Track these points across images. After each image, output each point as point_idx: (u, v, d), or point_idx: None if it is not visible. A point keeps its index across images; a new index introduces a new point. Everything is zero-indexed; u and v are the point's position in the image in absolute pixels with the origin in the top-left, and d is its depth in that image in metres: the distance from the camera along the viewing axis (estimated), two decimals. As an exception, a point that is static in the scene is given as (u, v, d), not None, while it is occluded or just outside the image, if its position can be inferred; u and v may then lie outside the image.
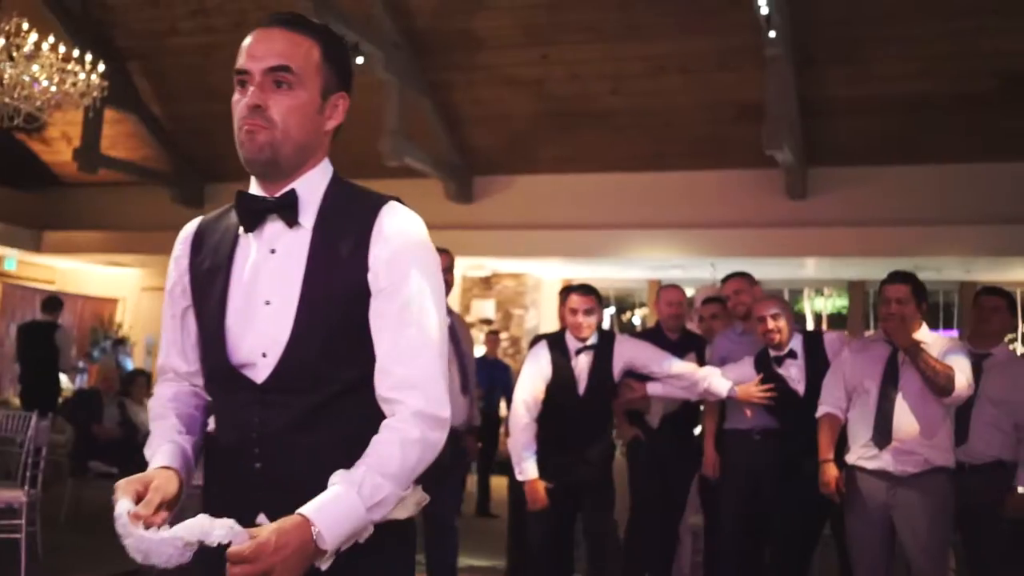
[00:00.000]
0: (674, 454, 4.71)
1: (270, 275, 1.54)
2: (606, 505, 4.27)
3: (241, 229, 1.59)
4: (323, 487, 1.40)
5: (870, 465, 3.71)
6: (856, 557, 3.79)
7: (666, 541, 4.77)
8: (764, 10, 6.46)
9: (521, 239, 9.29)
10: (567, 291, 5.40)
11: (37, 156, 10.93)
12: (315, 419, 1.50)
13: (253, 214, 1.57)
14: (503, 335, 10.14)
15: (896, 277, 3.82)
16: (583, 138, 8.73)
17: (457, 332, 4.40)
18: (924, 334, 3.76)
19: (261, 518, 1.46)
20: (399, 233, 1.54)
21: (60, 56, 6.43)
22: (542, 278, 11.06)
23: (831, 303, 11.30)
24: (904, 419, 3.66)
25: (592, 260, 9.61)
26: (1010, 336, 10.20)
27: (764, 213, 8.59)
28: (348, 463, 1.42)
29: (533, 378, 4.21)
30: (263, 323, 1.52)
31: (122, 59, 9.26)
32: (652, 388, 4.32)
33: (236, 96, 1.63)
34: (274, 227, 1.57)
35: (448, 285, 4.30)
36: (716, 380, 4.23)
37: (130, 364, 10.10)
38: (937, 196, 8.16)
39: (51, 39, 6.45)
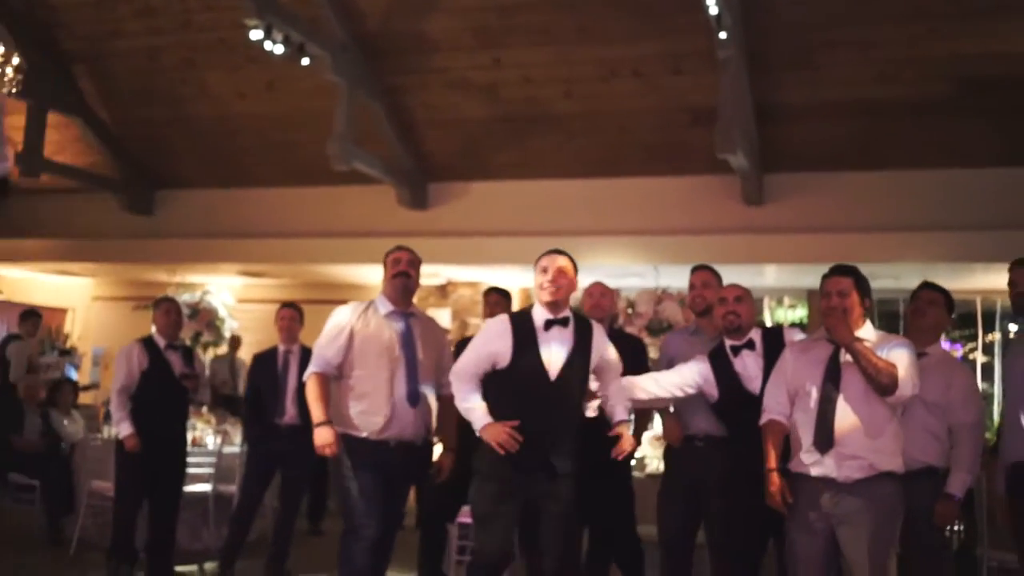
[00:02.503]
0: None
1: None
2: (566, 529, 3.72)
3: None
4: None
5: (813, 471, 3.52)
6: (795, 570, 3.58)
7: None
8: (713, 10, 6.34)
9: (477, 247, 9.12)
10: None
11: (-19, 162, 10.63)
12: None
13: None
14: (460, 345, 9.94)
15: (837, 270, 3.66)
16: (538, 143, 8.59)
17: (413, 335, 4.04)
18: (867, 332, 3.61)
19: None
20: None
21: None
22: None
23: (793, 314, 11.21)
24: (847, 421, 3.48)
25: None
26: (971, 345, 10.17)
27: (721, 220, 8.48)
28: None
29: (477, 351, 3.68)
30: None
31: (67, 61, 9.05)
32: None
33: None
34: None
35: (414, 283, 4.13)
36: (619, 406, 3.86)
37: (75, 375, 9.81)
38: (895, 202, 8.08)
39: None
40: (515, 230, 8.90)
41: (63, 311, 11.71)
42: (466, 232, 9.10)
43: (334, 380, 4.02)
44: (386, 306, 4.08)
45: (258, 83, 8.66)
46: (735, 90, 7.18)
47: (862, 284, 3.64)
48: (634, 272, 9.29)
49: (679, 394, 4.09)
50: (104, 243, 10.13)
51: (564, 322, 3.67)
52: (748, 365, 4.01)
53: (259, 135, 9.17)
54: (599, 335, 3.82)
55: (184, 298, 7.04)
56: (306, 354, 5.62)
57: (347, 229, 9.33)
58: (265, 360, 5.72)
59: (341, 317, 4.04)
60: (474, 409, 3.64)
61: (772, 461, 3.62)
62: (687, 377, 4.08)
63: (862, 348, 3.45)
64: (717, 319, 4.12)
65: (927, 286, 4.18)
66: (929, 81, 7.30)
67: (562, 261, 3.69)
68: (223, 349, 9.18)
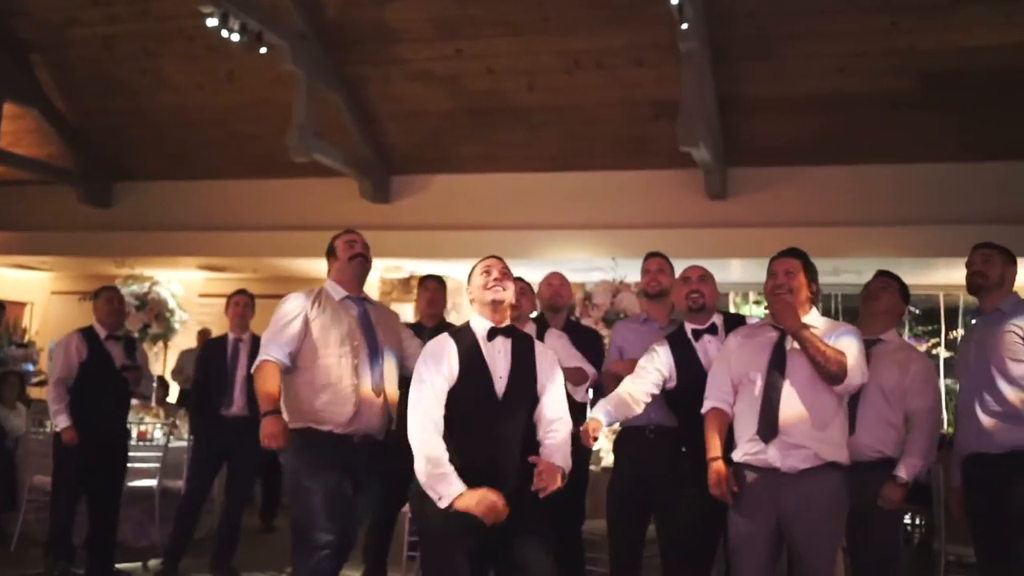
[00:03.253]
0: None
1: None
2: (538, 538, 3.22)
3: None
4: None
5: (756, 461, 3.39)
6: (737, 562, 3.46)
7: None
8: (675, 0, 6.29)
9: (440, 240, 9.03)
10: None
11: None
12: None
13: None
14: (423, 340, 9.83)
15: (786, 252, 3.55)
16: (501, 136, 8.51)
17: (371, 320, 3.83)
18: (814, 318, 3.50)
19: None
20: None
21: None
22: (463, 281, 10.78)
23: (758, 309, 11.19)
24: (792, 410, 3.36)
25: (512, 262, 9.33)
26: (934, 341, 10.19)
27: (684, 214, 8.44)
28: None
29: (434, 386, 3.14)
30: None
31: (24, 51, 8.86)
32: None
33: None
34: None
35: (369, 267, 3.97)
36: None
37: (32, 369, 9.63)
38: (858, 197, 8.08)
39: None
40: (479, 223, 8.82)
41: (22, 305, 11.50)
42: (429, 225, 9.01)
43: (288, 373, 3.73)
44: (338, 291, 3.87)
45: (217, 73, 8.52)
46: (697, 82, 7.13)
47: (810, 268, 3.53)
48: (597, 266, 9.22)
49: (654, 394, 3.89)
50: (61, 236, 9.95)
51: (508, 333, 3.29)
52: (710, 351, 3.84)
53: (219, 126, 9.02)
54: (550, 339, 3.78)
55: (132, 289, 6.88)
56: (257, 343, 5.49)
57: (309, 222, 9.19)
58: (214, 348, 5.57)
59: (293, 304, 3.78)
60: (449, 478, 3.05)
61: (715, 450, 3.50)
62: (654, 377, 3.86)
63: (810, 335, 3.35)
64: (680, 300, 3.96)
65: (880, 274, 4.13)
66: (890, 75, 7.28)
67: (505, 270, 3.39)
68: (192, 343, 9.03)
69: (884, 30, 7.00)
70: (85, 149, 9.73)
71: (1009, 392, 3.73)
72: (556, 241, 8.71)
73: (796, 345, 3.41)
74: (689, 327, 3.95)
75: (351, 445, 3.63)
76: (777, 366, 3.43)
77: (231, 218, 9.50)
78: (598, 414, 3.69)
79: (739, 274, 9.85)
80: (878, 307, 3.96)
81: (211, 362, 5.51)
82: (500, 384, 3.17)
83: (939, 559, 4.79)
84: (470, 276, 3.39)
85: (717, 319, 3.96)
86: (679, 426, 3.90)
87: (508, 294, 3.28)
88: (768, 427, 3.39)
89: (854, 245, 8.13)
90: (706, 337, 3.91)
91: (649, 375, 3.84)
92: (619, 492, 4.07)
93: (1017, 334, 3.75)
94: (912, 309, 10.53)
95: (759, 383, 3.43)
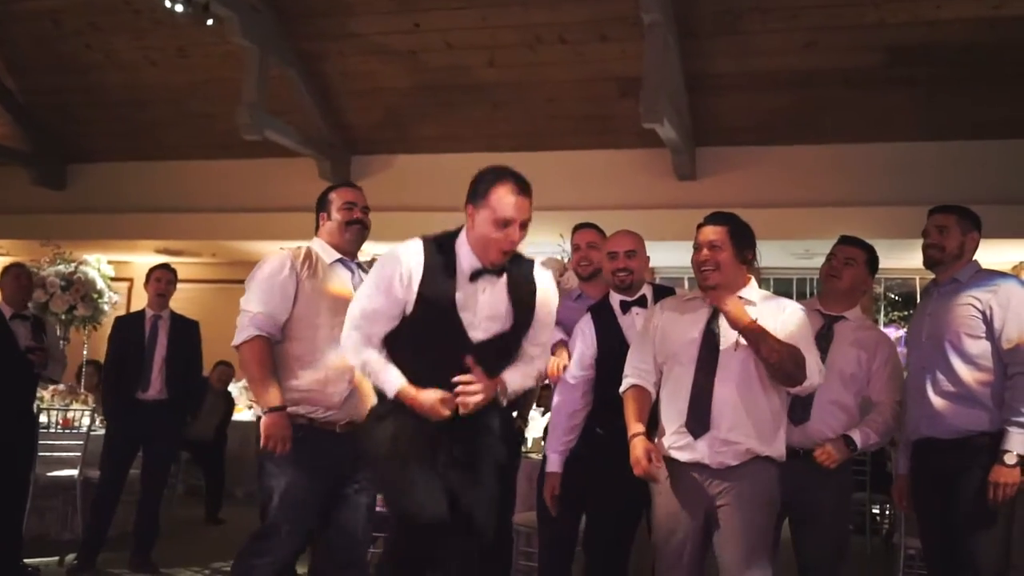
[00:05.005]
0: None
1: None
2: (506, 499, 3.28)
3: None
4: None
5: (683, 456, 3.08)
6: (661, 557, 3.15)
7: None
8: (633, -31, 6.00)
9: (403, 222, 8.58)
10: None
11: None
12: None
13: None
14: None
15: (711, 219, 3.17)
16: (462, 115, 8.23)
17: None
18: (751, 291, 3.14)
19: None
20: None
21: None
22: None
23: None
24: (725, 401, 3.02)
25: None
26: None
27: (653, 195, 8.18)
28: None
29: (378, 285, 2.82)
30: None
31: (-33, 27, 8.54)
32: None
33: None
34: None
35: (366, 230, 3.46)
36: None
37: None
38: (830, 176, 7.83)
39: None
40: (442, 205, 8.46)
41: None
42: (391, 207, 8.65)
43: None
44: (330, 253, 3.37)
45: (168, 49, 8.22)
46: (661, 57, 6.85)
47: (740, 234, 3.13)
48: (566, 249, 8.96)
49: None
50: (13, 219, 9.62)
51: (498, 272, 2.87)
52: (637, 324, 3.53)
53: (173, 105, 8.72)
54: (541, 277, 3.01)
55: (57, 268, 6.58)
56: (177, 322, 5.22)
57: (268, 204, 8.92)
58: (129, 325, 5.22)
59: (279, 263, 3.25)
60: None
61: (636, 427, 3.13)
62: (588, 357, 3.62)
63: (760, 331, 2.98)
64: (606, 275, 3.69)
65: (844, 241, 3.75)
66: (858, 50, 7.02)
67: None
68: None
69: (853, 3, 6.73)
70: (37, 129, 9.41)
71: (964, 371, 3.37)
72: (519, 223, 8.44)
73: (729, 323, 3.11)
74: (617, 298, 3.67)
75: (332, 435, 3.18)
76: (709, 350, 3.07)
77: (188, 200, 9.20)
78: None
79: (711, 258, 9.59)
80: (841, 286, 3.57)
81: (126, 341, 5.16)
82: (480, 327, 2.82)
83: (899, 552, 4.54)
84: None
85: (647, 290, 3.68)
86: (593, 405, 3.61)
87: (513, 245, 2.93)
88: (699, 422, 3.06)
89: (826, 226, 7.82)
90: (634, 310, 3.63)
91: (583, 357, 3.60)
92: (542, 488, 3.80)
93: (975, 307, 3.39)
94: (890, 295, 10.30)
95: (690, 370, 3.09)
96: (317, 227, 3.46)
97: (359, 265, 3.46)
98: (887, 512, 7.01)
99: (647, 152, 8.02)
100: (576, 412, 3.65)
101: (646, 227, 7.91)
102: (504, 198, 2.76)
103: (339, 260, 3.39)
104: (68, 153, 9.63)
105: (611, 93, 7.72)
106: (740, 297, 3.10)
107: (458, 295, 2.78)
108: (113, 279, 6.95)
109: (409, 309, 2.78)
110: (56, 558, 5.13)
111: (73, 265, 6.58)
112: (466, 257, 2.80)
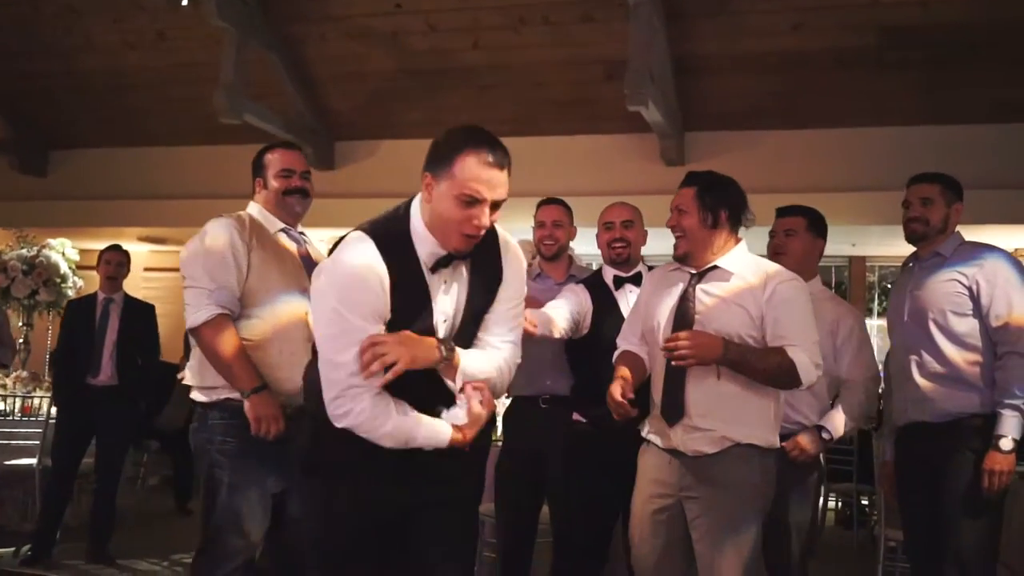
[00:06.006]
0: None
1: None
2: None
3: None
4: None
5: (660, 442, 2.93)
6: (635, 550, 3.00)
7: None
8: (614, -54, 5.83)
9: (388, 208, 8.59)
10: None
11: None
12: None
13: None
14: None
15: (684, 180, 2.98)
16: (446, 99, 8.05)
17: (312, 260, 3.15)
18: (734, 259, 2.87)
19: None
20: None
21: None
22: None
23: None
24: (699, 386, 2.83)
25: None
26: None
27: (639, 181, 7.97)
28: None
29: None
30: None
31: (-55, 10, 8.40)
32: None
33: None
34: None
35: (307, 200, 3.22)
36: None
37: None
38: (823, 162, 7.65)
39: None
40: (427, 192, 8.38)
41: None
42: (376, 193, 8.52)
43: None
44: (273, 222, 3.13)
45: (148, 33, 8.05)
46: (646, 37, 6.67)
47: (710, 195, 2.87)
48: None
49: (565, 331, 3.33)
50: (-4, 206, 9.51)
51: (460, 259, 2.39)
52: (631, 302, 3.32)
53: (154, 90, 8.56)
54: (508, 256, 2.49)
55: (20, 252, 6.45)
56: (131, 305, 5.07)
57: (251, 191, 8.76)
58: (80, 309, 5.09)
59: (226, 233, 2.96)
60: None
61: (620, 371, 2.88)
62: (573, 307, 3.33)
63: (739, 357, 2.72)
64: (601, 247, 3.50)
65: (779, 213, 3.56)
66: (851, 31, 6.82)
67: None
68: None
69: (843, -19, 6.55)
70: (17, 115, 9.27)
71: (951, 351, 3.23)
72: (506, 210, 8.26)
73: (706, 293, 2.87)
74: (611, 273, 3.47)
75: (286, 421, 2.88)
76: (682, 326, 2.85)
77: (172, 187, 9.06)
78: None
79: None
80: (790, 261, 3.34)
81: (76, 325, 5.01)
82: (444, 320, 2.35)
83: (879, 544, 4.37)
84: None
85: (643, 269, 3.48)
86: (574, 392, 3.44)
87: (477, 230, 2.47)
88: (673, 407, 2.88)
89: (821, 212, 7.70)
90: (628, 287, 3.43)
91: (568, 305, 3.33)
92: (509, 469, 3.65)
93: (960, 283, 3.24)
94: (884, 283, 10.10)
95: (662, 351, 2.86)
96: (254, 190, 3.22)
97: (302, 234, 3.25)
98: (867, 502, 6.84)
99: (634, 137, 7.85)
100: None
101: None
102: (472, 169, 2.19)
103: (283, 230, 3.18)
104: (50, 140, 9.49)
105: (596, 76, 7.54)
106: (716, 267, 2.89)
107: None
108: (81, 266, 6.81)
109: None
110: (11, 549, 5.00)
111: (35, 249, 6.45)
112: (423, 243, 2.25)
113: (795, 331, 2.79)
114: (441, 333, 2.27)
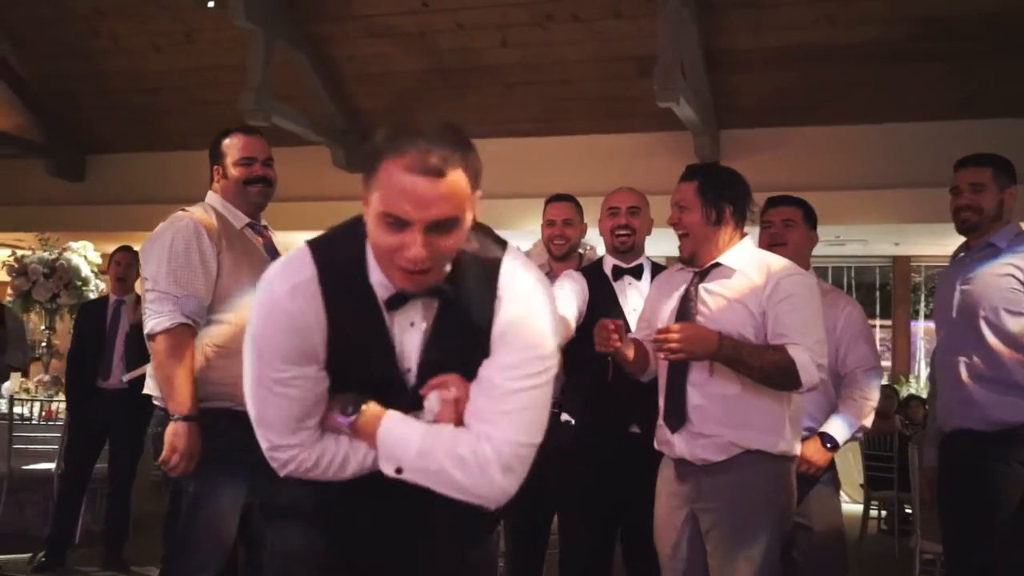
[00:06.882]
0: None
1: None
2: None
3: None
4: None
5: (668, 452, 2.79)
6: (660, 561, 2.85)
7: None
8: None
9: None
10: None
11: None
12: None
13: None
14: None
15: (683, 175, 2.82)
16: (474, 99, 7.94)
17: (279, 254, 2.91)
18: (735, 256, 2.69)
19: None
20: None
21: None
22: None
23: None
24: (700, 390, 2.67)
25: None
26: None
27: (673, 180, 7.52)
28: None
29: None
30: None
31: (-23, 16, 8.47)
32: None
33: None
34: None
35: (270, 189, 3.05)
36: None
37: None
38: (862, 158, 7.42)
39: None
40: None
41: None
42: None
43: None
44: (237, 216, 2.92)
45: (175, 35, 8.05)
46: (676, 31, 6.50)
47: (712, 189, 2.72)
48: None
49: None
50: (32, 211, 9.57)
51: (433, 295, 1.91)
52: (629, 295, 3.19)
53: (180, 93, 8.56)
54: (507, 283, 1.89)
55: (41, 255, 6.45)
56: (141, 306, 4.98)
57: (282, 193, 8.51)
58: (92, 311, 5.03)
59: (192, 232, 2.74)
60: None
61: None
62: (576, 299, 3.16)
63: (734, 350, 2.56)
64: (603, 234, 3.33)
65: (775, 203, 3.31)
66: (890, 23, 6.58)
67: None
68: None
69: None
70: (52, 120, 9.33)
71: (1004, 353, 2.95)
72: (533, 210, 8.10)
73: (707, 294, 2.71)
74: (611, 262, 3.28)
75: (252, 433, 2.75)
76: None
77: (200, 191, 9.04)
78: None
79: (740, 246, 9.22)
80: (788, 252, 3.09)
81: (87, 327, 4.96)
82: (412, 366, 1.77)
83: (914, 558, 4.15)
84: None
85: (646, 261, 3.29)
86: (563, 392, 3.23)
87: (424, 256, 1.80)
88: (675, 414, 2.72)
89: (857, 210, 7.48)
90: (627, 278, 3.24)
91: (575, 298, 3.14)
92: None
93: (1017, 278, 2.96)
94: (930, 284, 9.80)
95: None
96: (213, 180, 3.02)
97: (266, 227, 3.05)
98: (881, 514, 6.58)
99: (667, 135, 7.66)
100: None
101: (667, 212, 7.66)
102: (392, 179, 1.57)
103: (249, 224, 2.96)
104: (85, 144, 9.54)
105: (627, 73, 7.38)
106: (719, 264, 2.74)
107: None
108: (104, 270, 6.80)
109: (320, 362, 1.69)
110: (28, 554, 4.97)
111: (56, 252, 6.44)
112: (376, 273, 1.68)
113: (797, 328, 2.59)
114: (412, 385, 1.71)
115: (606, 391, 3.07)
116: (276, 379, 1.65)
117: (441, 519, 1.70)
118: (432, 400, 1.67)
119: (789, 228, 3.22)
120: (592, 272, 3.30)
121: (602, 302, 3.15)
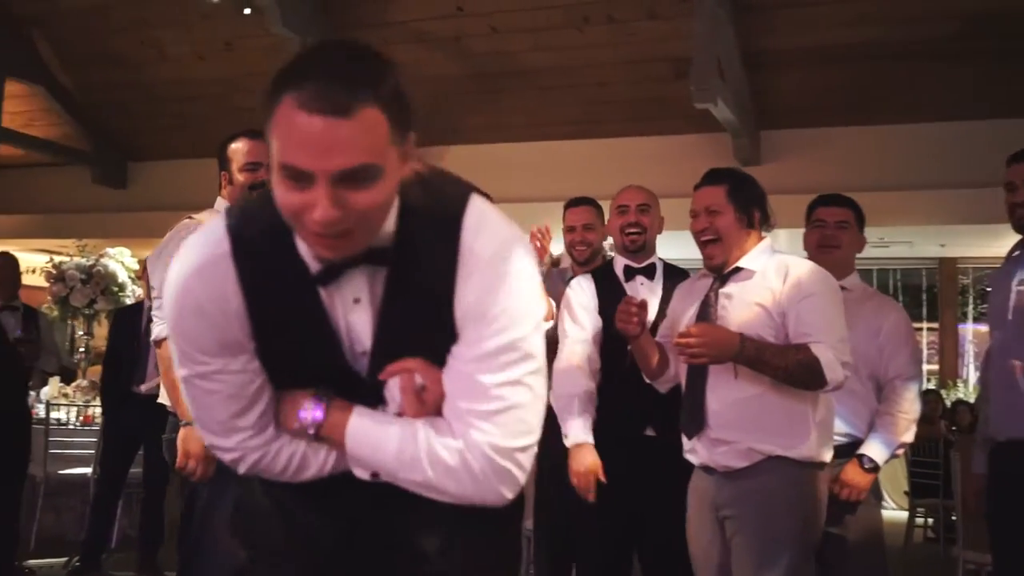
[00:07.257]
0: None
1: None
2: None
3: None
4: None
5: (693, 459, 2.74)
6: (693, 561, 2.80)
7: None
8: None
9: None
10: None
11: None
12: None
13: None
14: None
15: (705, 178, 2.73)
16: (509, 102, 7.92)
17: None
18: (755, 258, 2.62)
19: None
20: None
21: None
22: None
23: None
24: (719, 395, 2.61)
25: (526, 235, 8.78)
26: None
27: (712, 182, 7.70)
28: None
29: None
30: None
31: (23, 26, 8.62)
32: None
33: None
34: None
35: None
36: None
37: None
38: (905, 158, 7.27)
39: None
40: (492, 197, 8.23)
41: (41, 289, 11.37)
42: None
43: None
44: None
45: (216, 43, 8.14)
46: (712, 31, 6.42)
47: (742, 192, 2.64)
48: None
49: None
50: (78, 218, 9.74)
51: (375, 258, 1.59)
52: (641, 296, 3.00)
53: (221, 100, 8.63)
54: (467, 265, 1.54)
55: (78, 261, 6.53)
56: None
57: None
58: (127, 316, 5.05)
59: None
60: None
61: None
62: (589, 321, 3.11)
63: (757, 351, 2.49)
64: (612, 232, 3.24)
65: (826, 202, 3.19)
66: (933, 21, 6.42)
67: None
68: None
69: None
70: (95, 128, 9.48)
71: None
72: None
73: (727, 298, 2.64)
74: (621, 262, 3.21)
75: None
76: None
77: (243, 196, 9.13)
78: (579, 435, 2.98)
79: (783, 245, 9.07)
80: (840, 255, 3.04)
81: (122, 332, 4.97)
82: (359, 350, 1.50)
83: (957, 567, 4.01)
84: None
85: (658, 261, 3.21)
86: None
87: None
88: (694, 419, 2.66)
89: (902, 211, 7.31)
90: (639, 279, 3.15)
91: (590, 330, 3.08)
92: (541, 484, 3.45)
93: None
94: (979, 287, 9.56)
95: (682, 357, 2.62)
96: (221, 187, 2.97)
97: None
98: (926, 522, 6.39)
99: (705, 137, 7.56)
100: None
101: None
102: (291, 120, 1.21)
103: None
104: (128, 151, 9.69)
105: (664, 74, 7.30)
106: (739, 268, 2.68)
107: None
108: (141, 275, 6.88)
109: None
110: (63, 559, 5.01)
111: (93, 258, 6.52)
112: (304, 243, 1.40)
113: (820, 326, 2.52)
114: (365, 370, 1.44)
115: (618, 390, 3.01)
116: (198, 373, 1.41)
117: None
118: (393, 389, 1.42)
119: (843, 230, 3.11)
120: (602, 274, 3.22)
121: (614, 305, 3.05)
